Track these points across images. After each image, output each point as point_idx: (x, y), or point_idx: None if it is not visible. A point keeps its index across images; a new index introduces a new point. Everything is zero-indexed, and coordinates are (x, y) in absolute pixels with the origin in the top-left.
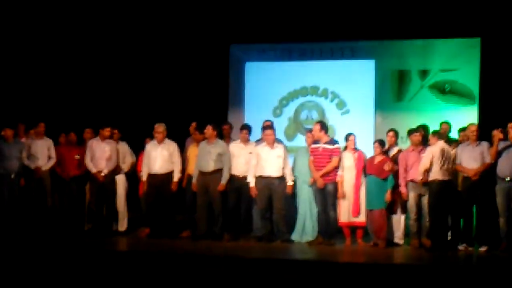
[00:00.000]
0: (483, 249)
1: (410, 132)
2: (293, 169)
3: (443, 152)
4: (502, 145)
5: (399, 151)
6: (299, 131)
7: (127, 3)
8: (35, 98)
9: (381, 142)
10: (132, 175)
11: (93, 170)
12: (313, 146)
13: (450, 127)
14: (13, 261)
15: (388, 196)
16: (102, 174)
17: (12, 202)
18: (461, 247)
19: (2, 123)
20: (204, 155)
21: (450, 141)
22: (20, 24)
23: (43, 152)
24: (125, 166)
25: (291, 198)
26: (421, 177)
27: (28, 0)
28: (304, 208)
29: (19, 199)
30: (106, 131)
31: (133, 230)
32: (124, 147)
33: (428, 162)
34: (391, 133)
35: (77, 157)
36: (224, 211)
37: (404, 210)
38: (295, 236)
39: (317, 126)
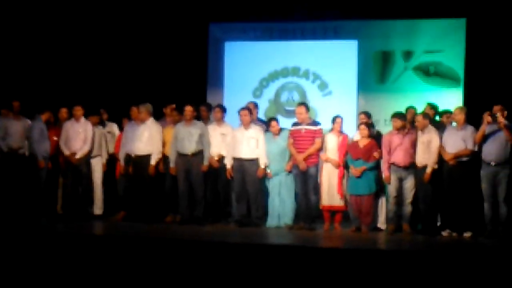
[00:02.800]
0: (467, 234)
1: (394, 116)
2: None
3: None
4: (488, 129)
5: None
6: (279, 113)
7: None
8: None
9: (367, 125)
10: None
11: (66, 152)
12: (295, 128)
13: (436, 109)
14: None
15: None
16: (76, 156)
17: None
18: (445, 233)
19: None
20: (184, 137)
21: (435, 124)
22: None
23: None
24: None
25: (262, 182)
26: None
27: None
28: (272, 194)
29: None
30: (77, 110)
31: (109, 213)
32: (112, 127)
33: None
34: (362, 116)
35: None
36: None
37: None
38: (271, 221)
39: (302, 108)
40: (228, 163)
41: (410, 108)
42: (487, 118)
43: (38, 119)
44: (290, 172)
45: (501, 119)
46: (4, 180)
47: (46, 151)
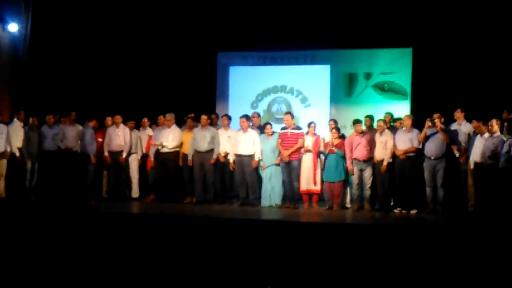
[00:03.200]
0: (413, 211)
1: (354, 122)
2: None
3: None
4: (428, 132)
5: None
6: (271, 120)
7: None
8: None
9: (337, 129)
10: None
11: (106, 151)
12: (283, 131)
13: (393, 116)
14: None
15: (350, 170)
16: (123, 156)
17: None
18: (396, 210)
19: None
20: (200, 138)
21: (390, 128)
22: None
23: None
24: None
25: (257, 173)
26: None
27: None
28: (265, 181)
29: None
30: (117, 119)
31: (143, 196)
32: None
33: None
34: (331, 122)
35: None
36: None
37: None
38: (265, 202)
39: (289, 116)
40: (231, 158)
41: (368, 117)
42: (427, 123)
43: (88, 125)
44: (278, 164)
45: (438, 124)
46: (62, 171)
47: (93, 150)
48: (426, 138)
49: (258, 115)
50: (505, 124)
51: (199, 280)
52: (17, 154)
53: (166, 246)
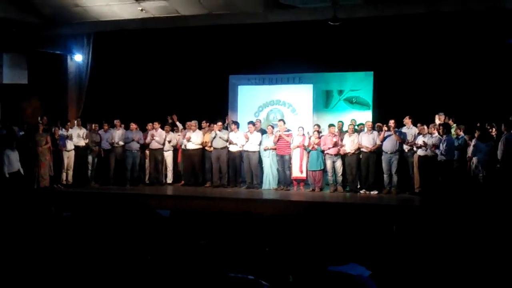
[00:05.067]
0: (374, 192)
1: (330, 125)
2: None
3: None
4: (386, 133)
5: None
6: (269, 125)
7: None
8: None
9: (318, 132)
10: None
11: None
12: (278, 133)
13: (356, 122)
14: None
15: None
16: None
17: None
18: (362, 192)
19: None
20: (217, 139)
21: (355, 131)
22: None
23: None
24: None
25: (259, 164)
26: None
27: None
28: (266, 170)
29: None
30: (156, 124)
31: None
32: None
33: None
34: (316, 126)
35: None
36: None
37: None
38: (265, 185)
39: (281, 123)
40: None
41: (340, 122)
42: (385, 128)
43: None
44: (274, 149)
45: (392, 128)
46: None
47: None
48: (384, 138)
49: (260, 121)
50: (441, 127)
51: (216, 245)
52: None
53: (191, 218)
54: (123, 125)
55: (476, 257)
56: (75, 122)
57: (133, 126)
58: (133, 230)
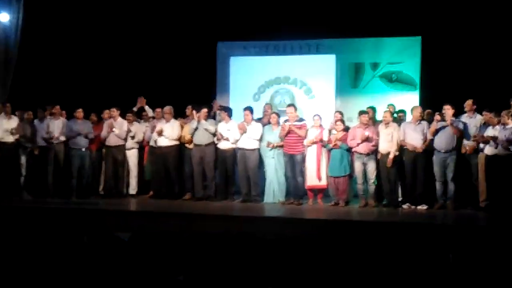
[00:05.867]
0: (423, 207)
1: (360, 113)
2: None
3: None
4: (438, 125)
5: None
6: (274, 113)
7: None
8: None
9: (342, 121)
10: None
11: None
12: (286, 124)
13: (394, 108)
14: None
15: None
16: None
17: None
18: (405, 206)
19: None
20: (201, 131)
21: (394, 120)
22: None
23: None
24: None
25: (259, 168)
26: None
27: None
28: (270, 176)
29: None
30: (114, 111)
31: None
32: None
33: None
34: (338, 114)
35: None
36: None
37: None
38: (268, 198)
39: (292, 108)
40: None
41: (370, 108)
42: (437, 117)
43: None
44: (281, 147)
45: (448, 119)
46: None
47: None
48: (436, 131)
49: (271, 107)
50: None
51: (198, 280)
52: None
53: (162, 245)
54: (75, 114)
55: None
56: (2, 108)
57: (80, 114)
58: (79, 261)
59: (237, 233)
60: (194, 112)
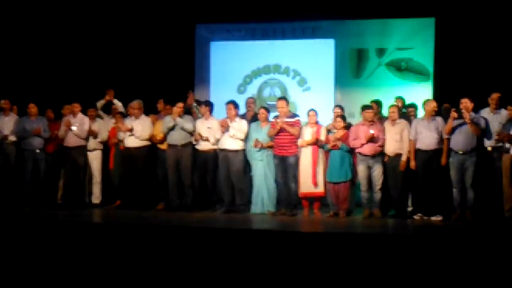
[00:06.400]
0: (437, 218)
1: (364, 108)
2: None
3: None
4: (455, 122)
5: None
6: (262, 107)
7: None
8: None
9: (343, 117)
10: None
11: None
12: (277, 120)
13: (404, 102)
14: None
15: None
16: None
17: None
18: (416, 217)
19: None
20: (177, 130)
21: (403, 116)
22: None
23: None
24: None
25: (245, 172)
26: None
27: None
28: (258, 182)
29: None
30: (75, 107)
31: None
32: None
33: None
34: (338, 109)
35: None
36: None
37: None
38: (255, 209)
39: (283, 102)
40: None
41: (374, 102)
42: (453, 114)
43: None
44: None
45: (467, 115)
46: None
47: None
48: (453, 129)
49: (254, 101)
50: None
51: None
52: None
53: (133, 260)
54: (27, 109)
55: None
56: None
57: (33, 109)
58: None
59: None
60: (168, 107)
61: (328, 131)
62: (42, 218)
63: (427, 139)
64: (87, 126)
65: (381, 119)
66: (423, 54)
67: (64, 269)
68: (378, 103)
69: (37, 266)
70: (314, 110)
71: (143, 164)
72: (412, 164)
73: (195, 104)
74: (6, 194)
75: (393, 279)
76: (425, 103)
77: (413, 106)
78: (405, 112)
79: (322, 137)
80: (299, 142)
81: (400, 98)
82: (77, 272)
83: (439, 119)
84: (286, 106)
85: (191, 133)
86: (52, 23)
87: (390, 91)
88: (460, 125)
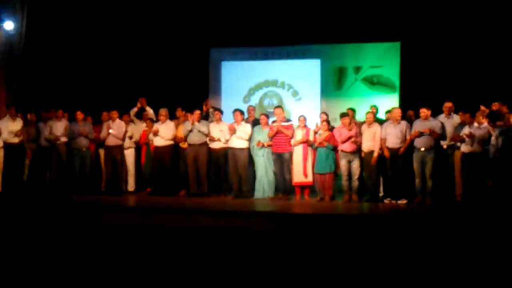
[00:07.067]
0: (403, 202)
1: (341, 115)
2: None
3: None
4: (419, 126)
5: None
6: (263, 114)
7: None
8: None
9: (327, 122)
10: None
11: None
12: (274, 125)
13: (377, 109)
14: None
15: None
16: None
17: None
18: (386, 201)
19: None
20: (194, 132)
21: (377, 121)
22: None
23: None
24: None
25: (249, 165)
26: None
27: None
28: (260, 173)
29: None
30: (113, 114)
31: (140, 189)
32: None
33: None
34: (324, 115)
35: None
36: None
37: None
38: (258, 194)
39: (280, 110)
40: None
41: (350, 109)
42: (416, 133)
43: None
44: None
45: (426, 130)
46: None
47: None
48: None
49: (254, 108)
50: (487, 117)
51: (193, 277)
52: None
53: (160, 240)
54: (75, 116)
55: None
56: (7, 110)
57: (80, 116)
58: (79, 256)
59: (228, 228)
60: (189, 114)
61: (315, 132)
62: (87, 203)
63: (393, 138)
64: (123, 129)
65: (358, 123)
66: (391, 71)
67: (107, 242)
68: (353, 110)
69: (84, 243)
70: (304, 116)
71: (168, 160)
72: (386, 153)
73: (211, 110)
74: (58, 184)
75: (367, 251)
76: (392, 110)
77: (375, 106)
78: (378, 118)
79: (311, 137)
80: (292, 141)
81: (374, 106)
82: (117, 243)
83: (403, 123)
84: (282, 113)
85: (206, 135)
86: (95, 46)
87: (364, 101)
88: (421, 133)
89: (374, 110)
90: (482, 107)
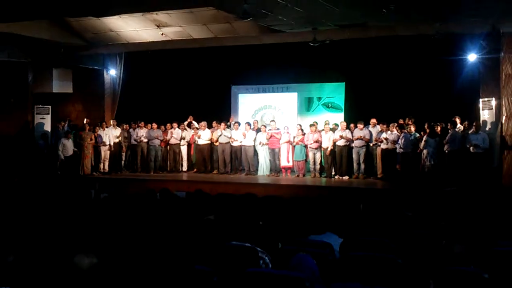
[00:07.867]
0: (346, 177)
1: (310, 126)
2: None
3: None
4: (356, 134)
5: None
6: (263, 125)
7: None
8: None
9: (301, 129)
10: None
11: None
12: (269, 131)
13: (329, 123)
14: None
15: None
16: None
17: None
18: (336, 177)
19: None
20: (222, 136)
21: (330, 129)
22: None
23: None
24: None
25: (255, 156)
26: (331, 147)
27: None
28: (261, 160)
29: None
30: (174, 124)
31: (190, 170)
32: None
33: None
34: (298, 126)
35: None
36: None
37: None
38: (260, 172)
39: (273, 123)
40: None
41: (315, 122)
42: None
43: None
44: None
45: (366, 139)
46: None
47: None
48: (354, 136)
49: (257, 122)
50: (397, 126)
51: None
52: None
53: (202, 199)
54: (151, 125)
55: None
56: (111, 123)
57: (154, 126)
58: (156, 208)
59: (244, 194)
60: (219, 125)
61: (294, 137)
62: (157, 177)
63: (341, 141)
64: (180, 134)
65: (319, 131)
66: (339, 99)
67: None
68: (316, 123)
69: (151, 206)
70: (287, 126)
71: (207, 152)
72: (329, 150)
73: (233, 122)
74: (142, 167)
75: (325, 206)
76: (340, 123)
77: (336, 124)
78: (332, 128)
79: (291, 139)
80: (281, 141)
81: (327, 120)
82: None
83: (347, 131)
84: (274, 124)
85: (229, 138)
86: (163, 85)
87: (323, 118)
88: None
89: (327, 122)
90: (401, 121)
